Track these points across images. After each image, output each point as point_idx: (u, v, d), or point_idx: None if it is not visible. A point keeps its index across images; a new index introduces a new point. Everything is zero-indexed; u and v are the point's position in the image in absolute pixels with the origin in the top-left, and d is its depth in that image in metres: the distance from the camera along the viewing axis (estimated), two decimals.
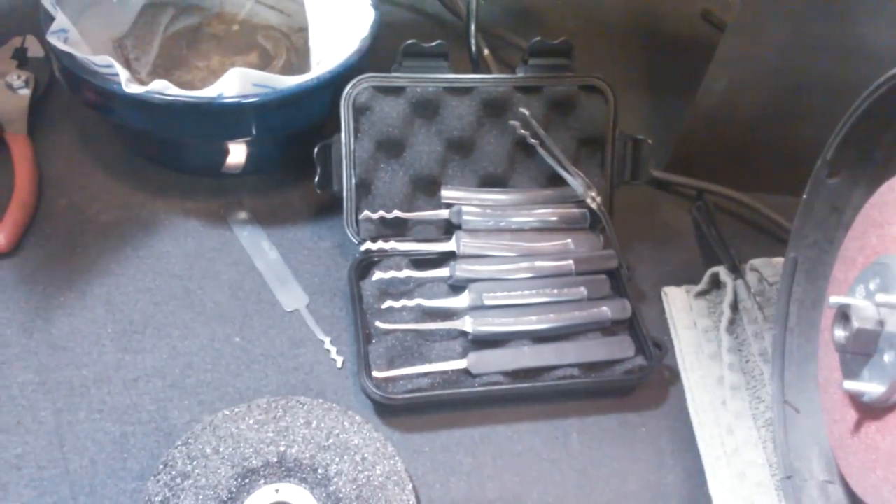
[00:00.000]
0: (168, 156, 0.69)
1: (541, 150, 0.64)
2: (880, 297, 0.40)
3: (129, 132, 0.67)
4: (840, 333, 0.42)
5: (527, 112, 0.63)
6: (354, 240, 0.63)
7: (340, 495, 0.52)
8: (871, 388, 0.41)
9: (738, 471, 0.57)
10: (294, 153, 0.69)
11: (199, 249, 0.66)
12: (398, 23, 0.89)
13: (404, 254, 0.63)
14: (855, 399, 0.44)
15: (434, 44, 0.62)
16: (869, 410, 0.42)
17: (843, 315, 0.42)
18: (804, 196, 0.53)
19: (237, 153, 0.65)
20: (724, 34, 0.66)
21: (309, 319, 0.62)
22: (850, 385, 0.41)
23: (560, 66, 0.65)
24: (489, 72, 0.78)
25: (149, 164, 0.71)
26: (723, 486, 0.56)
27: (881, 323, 0.40)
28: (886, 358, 0.40)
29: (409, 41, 0.62)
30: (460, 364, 0.58)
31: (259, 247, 0.67)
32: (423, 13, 0.91)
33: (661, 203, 0.77)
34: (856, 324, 0.40)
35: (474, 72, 0.79)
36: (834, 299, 0.42)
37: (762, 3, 0.63)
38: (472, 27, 0.78)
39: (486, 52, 0.83)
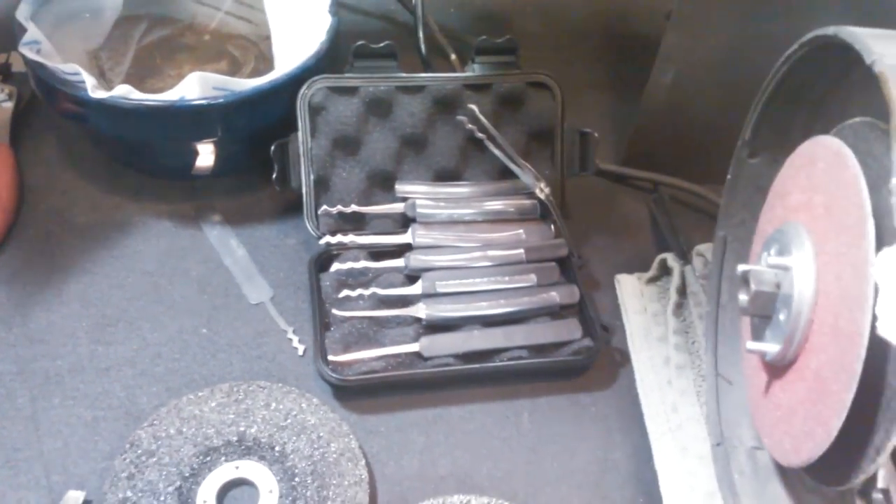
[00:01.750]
0: (141, 160, 0.73)
1: (490, 145, 0.68)
2: (773, 260, 0.43)
3: (104, 139, 0.72)
4: (743, 298, 0.45)
5: (475, 108, 0.67)
6: (314, 234, 0.67)
7: (296, 470, 0.56)
8: (770, 347, 0.44)
9: (681, 445, 0.60)
10: (261, 155, 0.73)
11: (171, 248, 0.70)
12: (360, 28, 0.93)
13: (362, 246, 0.67)
14: (763, 361, 0.47)
15: (382, 45, 0.67)
16: (773, 370, 0.46)
17: (745, 280, 0.45)
18: (728, 176, 0.56)
19: (205, 156, 0.70)
20: (666, 30, 0.70)
21: (273, 311, 0.66)
22: (752, 345, 0.45)
23: (507, 63, 0.69)
24: (441, 71, 0.82)
25: (124, 169, 0.75)
26: (667, 460, 0.59)
27: (777, 285, 0.44)
28: (781, 317, 0.43)
29: (359, 43, 0.66)
30: (413, 347, 0.62)
31: (227, 245, 0.71)
32: (384, 18, 0.95)
33: (619, 196, 0.80)
34: (753, 287, 0.44)
35: (425, 71, 0.82)
36: (739, 267, 0.46)
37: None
38: (420, 31, 0.82)
39: (453, 56, 0.87)
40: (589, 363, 0.64)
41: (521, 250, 0.68)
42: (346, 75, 0.67)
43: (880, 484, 0.42)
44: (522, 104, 0.70)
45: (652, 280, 0.71)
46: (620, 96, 0.90)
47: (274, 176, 0.66)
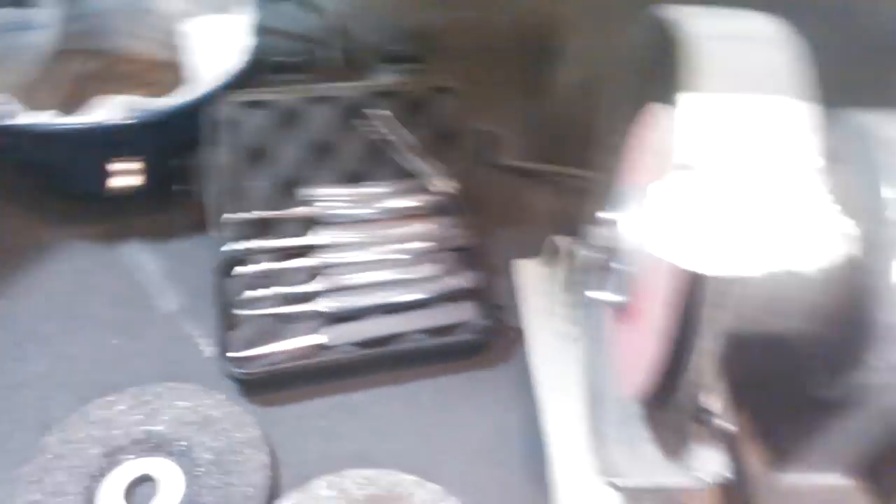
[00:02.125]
0: (61, 183, 0.77)
1: (395, 147, 0.72)
2: (606, 216, 0.47)
3: (28, 165, 0.75)
4: (584, 254, 0.49)
5: (382, 113, 0.72)
6: (220, 242, 0.71)
7: (200, 462, 0.59)
8: (607, 296, 0.47)
9: (569, 408, 0.63)
10: (175, 173, 0.76)
11: (86, 267, 0.73)
12: (283, 47, 0.96)
13: (267, 250, 0.70)
14: (613, 312, 0.50)
15: (294, 59, 0.71)
16: (619, 319, 0.49)
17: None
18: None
19: (123, 176, 0.73)
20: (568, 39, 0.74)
21: (183, 319, 0.69)
22: (591, 294, 0.48)
23: (412, 70, 0.74)
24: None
25: (43, 193, 0.78)
26: (555, 420, 0.63)
27: (611, 240, 0.47)
28: (614, 267, 0.47)
29: (273, 58, 0.70)
30: (315, 339, 0.65)
31: (140, 260, 0.74)
32: (305, 38, 0.98)
33: (524, 190, 0.84)
34: (590, 242, 0.47)
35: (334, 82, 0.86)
36: (585, 228, 0.50)
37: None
38: (334, 42, 0.86)
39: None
40: (484, 341, 0.68)
41: (424, 243, 0.71)
42: (258, 90, 0.71)
43: (704, 404, 0.46)
44: (427, 107, 0.75)
45: (546, 262, 0.74)
46: (535, 99, 0.94)
47: (182, 189, 0.70)
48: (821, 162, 0.35)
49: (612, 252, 0.48)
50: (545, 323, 0.70)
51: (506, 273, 0.75)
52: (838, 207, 0.38)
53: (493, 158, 0.76)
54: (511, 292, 0.74)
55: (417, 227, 0.72)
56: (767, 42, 0.38)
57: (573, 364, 0.66)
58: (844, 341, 0.45)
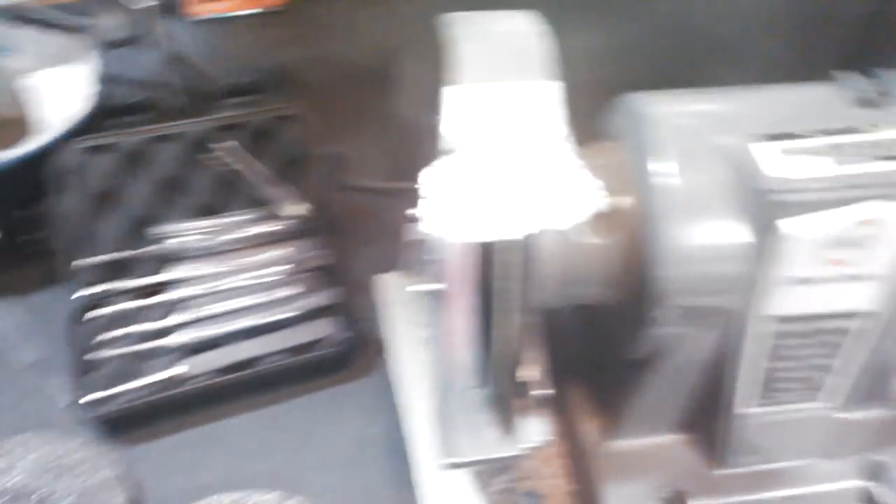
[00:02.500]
0: None
1: (245, 176, 0.74)
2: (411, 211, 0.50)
3: None
4: (406, 250, 0.52)
5: (229, 145, 0.74)
6: (73, 288, 0.71)
7: None
8: (424, 287, 0.51)
9: (426, 407, 0.66)
10: (21, 225, 0.76)
11: None
12: (130, 94, 0.98)
13: (122, 291, 0.71)
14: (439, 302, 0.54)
15: (134, 101, 0.73)
16: (443, 308, 0.52)
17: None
18: None
19: None
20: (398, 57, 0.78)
21: (40, 369, 0.69)
22: (411, 288, 0.52)
23: (255, 101, 0.76)
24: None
25: None
26: (416, 423, 0.65)
27: (420, 232, 0.50)
28: (428, 258, 0.50)
29: (111, 103, 0.72)
30: (174, 371, 0.66)
31: None
32: (151, 84, 1.00)
33: (380, 208, 0.87)
34: (406, 236, 0.51)
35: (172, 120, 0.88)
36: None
37: None
38: (175, 85, 0.88)
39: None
40: (345, 354, 0.70)
41: (279, 267, 0.73)
42: (101, 134, 0.72)
43: (529, 377, 0.50)
44: (274, 135, 0.78)
45: (404, 274, 0.78)
46: (383, 122, 0.98)
47: (29, 240, 0.70)
48: (566, 133, 0.40)
49: (423, 244, 0.51)
50: (405, 332, 0.73)
51: (368, 288, 0.77)
52: (591, 172, 0.42)
53: (343, 180, 0.80)
54: (374, 306, 0.77)
55: (274, 251, 0.75)
56: (519, 35, 0.44)
57: (433, 366, 0.69)
58: (637, 301, 0.49)
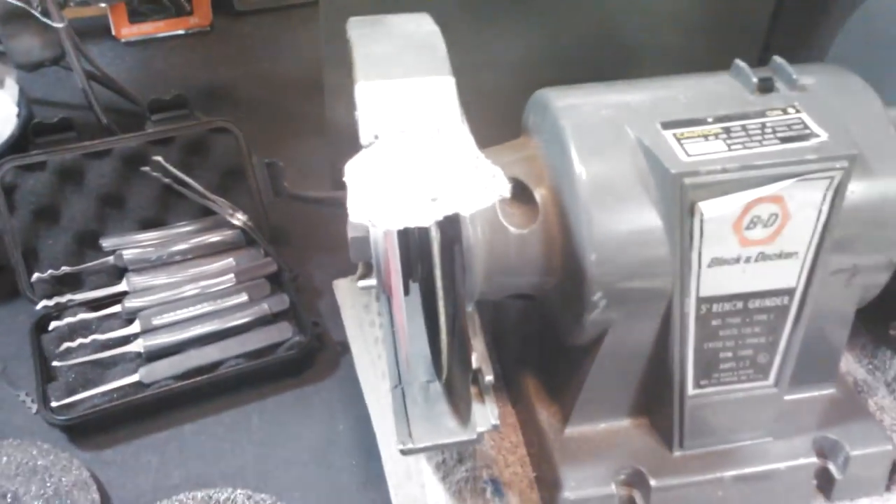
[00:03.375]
0: None
1: (182, 189, 0.82)
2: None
3: None
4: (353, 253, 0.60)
5: (160, 159, 0.82)
6: (32, 301, 0.78)
7: None
8: (367, 282, 0.59)
9: (392, 407, 0.73)
10: None
11: None
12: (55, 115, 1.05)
13: (81, 303, 0.79)
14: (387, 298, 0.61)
15: (56, 119, 0.80)
16: (391, 303, 0.60)
17: None
18: None
19: None
20: (324, 68, 0.86)
21: (5, 381, 0.77)
22: (360, 283, 0.59)
23: (182, 116, 0.84)
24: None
25: None
26: (382, 420, 0.73)
27: (366, 230, 0.58)
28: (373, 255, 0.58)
29: (34, 121, 0.80)
30: (133, 378, 0.73)
31: None
32: (76, 107, 1.05)
33: (328, 217, 0.94)
34: (350, 234, 0.58)
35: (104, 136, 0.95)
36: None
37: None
38: (94, 103, 0.95)
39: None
40: (304, 356, 0.77)
41: (231, 274, 0.81)
42: (31, 153, 0.79)
43: (474, 365, 0.57)
44: (208, 148, 0.85)
45: (362, 277, 0.85)
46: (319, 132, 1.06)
47: None
48: (461, 122, 0.48)
49: (366, 243, 0.59)
50: (365, 331, 0.81)
51: (323, 293, 0.85)
52: (506, 166, 0.50)
53: (283, 189, 0.87)
54: (335, 310, 0.85)
55: (226, 260, 0.82)
56: (416, 34, 0.52)
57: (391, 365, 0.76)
58: (570, 289, 0.57)
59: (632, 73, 0.63)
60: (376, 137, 0.46)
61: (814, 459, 0.66)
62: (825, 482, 0.66)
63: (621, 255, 0.54)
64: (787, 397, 0.65)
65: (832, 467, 0.66)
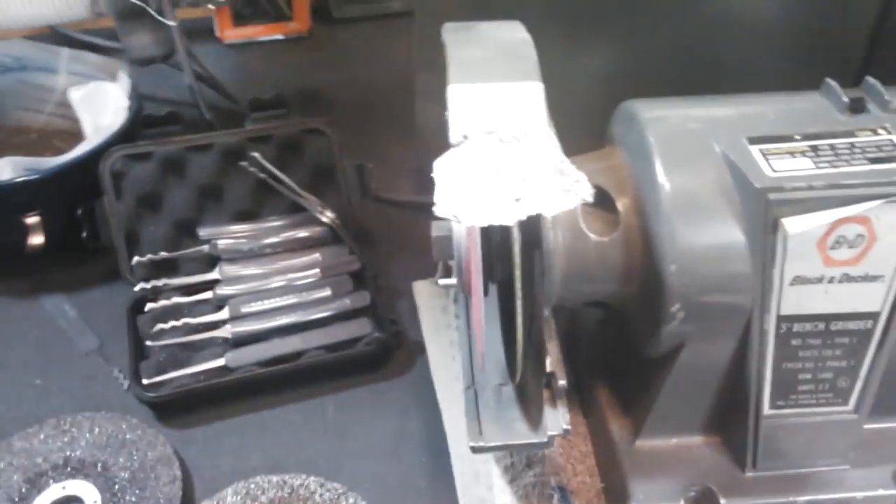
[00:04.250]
0: None
1: (276, 185, 0.86)
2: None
3: None
4: (436, 252, 0.62)
5: (258, 155, 0.85)
6: (130, 282, 0.83)
7: (116, 479, 0.70)
8: (447, 281, 0.60)
9: (464, 408, 0.75)
10: (81, 224, 0.88)
11: (8, 318, 0.85)
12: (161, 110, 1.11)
13: (176, 287, 0.83)
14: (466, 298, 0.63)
15: (165, 113, 0.85)
16: (469, 303, 0.62)
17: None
18: None
19: (34, 232, 0.86)
20: (416, 74, 0.88)
21: (101, 356, 0.81)
22: (442, 282, 0.61)
23: (280, 115, 0.88)
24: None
25: None
26: (453, 421, 0.74)
27: (450, 230, 0.60)
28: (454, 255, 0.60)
29: (144, 114, 0.85)
30: (220, 362, 0.76)
31: (61, 309, 0.86)
32: (181, 103, 1.10)
33: (412, 220, 0.96)
34: (433, 233, 0.60)
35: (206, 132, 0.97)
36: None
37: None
38: (200, 100, 1.00)
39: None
40: (381, 353, 0.80)
41: (317, 269, 0.84)
42: (139, 143, 0.85)
43: (548, 369, 0.58)
44: (302, 148, 0.88)
45: (442, 277, 0.87)
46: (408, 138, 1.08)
47: (84, 236, 0.83)
48: (549, 126, 0.49)
49: (450, 241, 0.61)
50: (441, 333, 0.82)
51: (403, 293, 0.88)
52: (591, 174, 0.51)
53: (370, 191, 0.90)
54: (413, 311, 0.87)
55: (312, 255, 0.85)
56: (507, 41, 0.53)
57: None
58: (648, 300, 0.58)
59: (718, 90, 0.63)
60: (465, 137, 0.47)
61: (894, 492, 0.64)
62: None
63: (702, 268, 0.54)
64: (868, 426, 0.64)
65: None
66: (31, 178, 0.82)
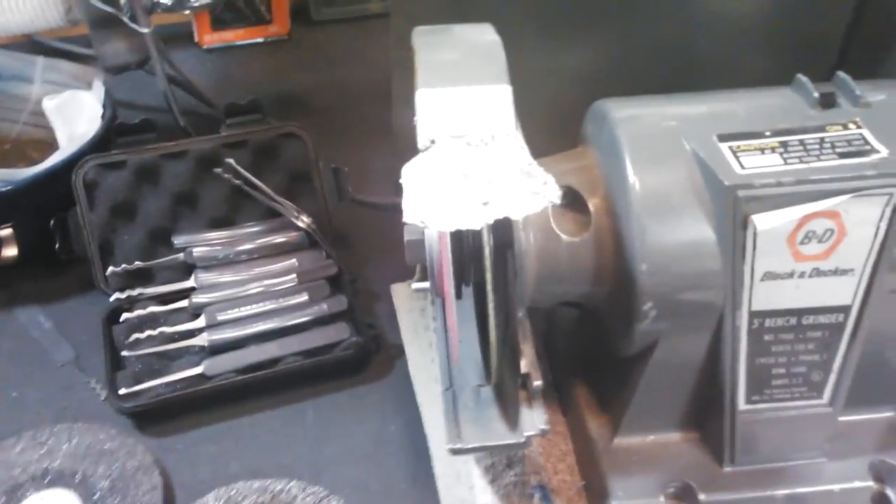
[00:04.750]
0: None
1: (251, 191, 0.86)
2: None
3: None
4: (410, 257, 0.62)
5: (232, 161, 0.85)
6: (105, 292, 0.83)
7: (96, 489, 0.69)
8: (420, 285, 0.60)
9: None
10: (54, 235, 0.88)
11: None
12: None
13: (151, 296, 0.83)
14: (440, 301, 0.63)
15: (138, 121, 0.85)
16: (442, 306, 0.62)
17: None
18: None
19: (7, 245, 0.85)
20: (392, 76, 0.88)
21: (78, 366, 0.81)
22: (415, 285, 0.61)
23: (255, 120, 0.88)
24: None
25: None
26: (434, 422, 0.74)
27: (422, 233, 0.60)
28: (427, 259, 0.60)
29: (118, 122, 0.84)
30: (197, 370, 0.76)
31: (36, 321, 0.85)
32: (157, 110, 1.08)
33: (389, 222, 0.96)
34: (406, 237, 0.60)
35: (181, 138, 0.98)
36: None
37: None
38: (174, 106, 0.99)
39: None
40: (360, 357, 0.80)
41: (294, 275, 0.84)
42: (112, 152, 0.84)
43: (523, 370, 0.59)
44: (278, 152, 0.88)
45: (418, 280, 0.87)
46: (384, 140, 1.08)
47: (57, 247, 0.82)
48: (516, 130, 0.49)
49: (421, 245, 0.61)
50: (419, 335, 0.83)
51: (381, 297, 0.88)
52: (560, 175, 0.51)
53: (346, 194, 0.90)
54: (392, 313, 0.87)
55: (288, 260, 0.85)
56: (477, 43, 0.53)
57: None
58: (624, 296, 0.58)
59: (696, 87, 0.63)
60: (432, 142, 0.47)
61: (870, 483, 0.65)
62: None
63: (673, 266, 0.54)
64: (843, 418, 0.64)
65: (890, 492, 0.65)
66: (4, 189, 0.81)
